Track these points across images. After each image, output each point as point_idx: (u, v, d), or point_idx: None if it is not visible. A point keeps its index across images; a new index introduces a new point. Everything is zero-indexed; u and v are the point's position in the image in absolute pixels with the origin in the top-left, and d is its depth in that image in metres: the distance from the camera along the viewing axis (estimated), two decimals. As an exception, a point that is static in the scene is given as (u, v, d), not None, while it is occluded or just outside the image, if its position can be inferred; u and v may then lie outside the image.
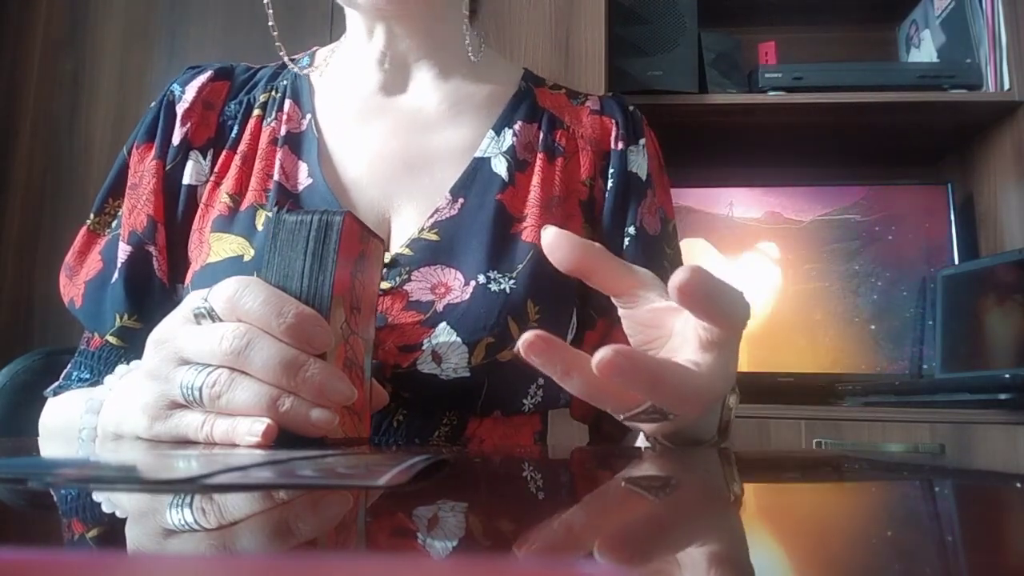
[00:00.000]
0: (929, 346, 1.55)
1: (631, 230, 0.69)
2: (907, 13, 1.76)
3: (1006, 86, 1.49)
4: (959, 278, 1.53)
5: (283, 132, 0.69)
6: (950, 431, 1.26)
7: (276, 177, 0.66)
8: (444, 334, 0.59)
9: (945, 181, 1.66)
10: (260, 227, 0.63)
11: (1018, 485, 0.33)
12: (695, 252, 1.65)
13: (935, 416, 1.27)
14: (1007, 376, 1.26)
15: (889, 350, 1.58)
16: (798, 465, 0.45)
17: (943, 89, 1.53)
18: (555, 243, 0.43)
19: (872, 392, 1.42)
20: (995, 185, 1.59)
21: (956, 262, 1.58)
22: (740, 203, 1.67)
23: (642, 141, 0.72)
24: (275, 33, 0.69)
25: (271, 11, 0.69)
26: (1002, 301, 1.44)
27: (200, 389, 0.40)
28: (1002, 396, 1.25)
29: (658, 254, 0.70)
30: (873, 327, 1.59)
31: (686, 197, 1.67)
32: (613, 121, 0.72)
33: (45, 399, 0.68)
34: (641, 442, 0.63)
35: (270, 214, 0.64)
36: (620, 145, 0.71)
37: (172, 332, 0.43)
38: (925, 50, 1.69)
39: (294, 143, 0.68)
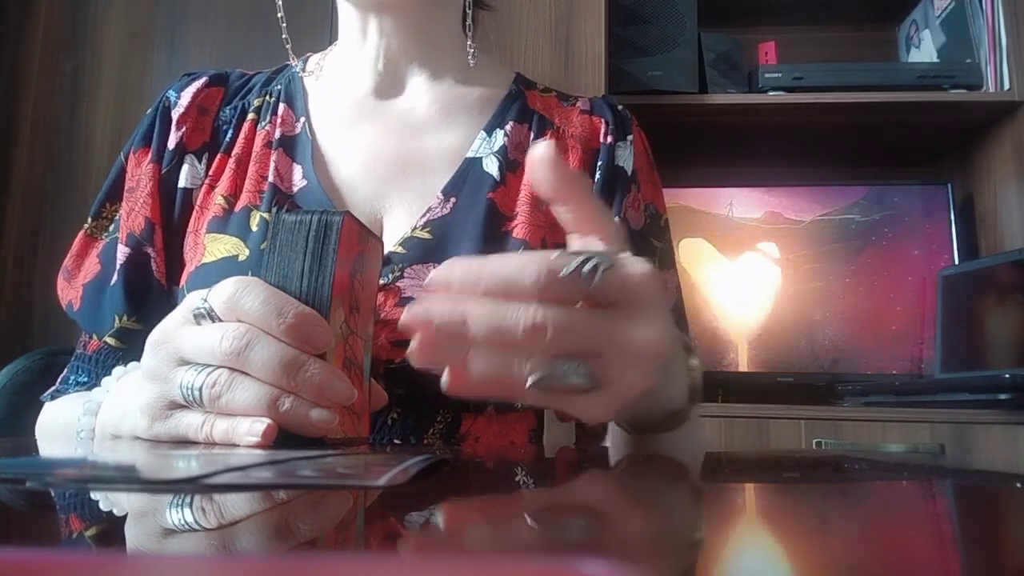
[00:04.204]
0: (929, 346, 1.55)
1: (615, 220, 0.70)
2: (907, 13, 1.76)
3: (1006, 86, 1.49)
4: (959, 278, 1.53)
5: (277, 135, 0.70)
6: (950, 431, 1.25)
7: (271, 179, 0.67)
8: None
9: (945, 181, 1.66)
10: (255, 228, 0.64)
11: (1018, 485, 0.33)
12: (695, 252, 1.65)
13: (935, 416, 1.27)
14: (1007, 376, 1.26)
15: (889, 350, 1.58)
16: (798, 465, 0.45)
17: (943, 89, 1.53)
18: (542, 163, 0.40)
19: (872, 392, 1.42)
20: (995, 185, 1.59)
21: (956, 262, 1.58)
22: (740, 203, 1.67)
23: (629, 137, 0.73)
24: (284, 24, 0.70)
25: (280, 2, 0.70)
26: (1002, 301, 1.44)
27: (200, 389, 0.40)
28: (1002, 396, 1.25)
29: (644, 248, 0.71)
30: (873, 327, 1.59)
31: (686, 197, 1.67)
32: (602, 120, 0.73)
33: (44, 401, 0.68)
34: (608, 441, 0.63)
35: (265, 215, 0.64)
36: (609, 139, 0.72)
37: (171, 332, 0.43)
38: (925, 50, 1.69)
39: (288, 146, 0.69)
